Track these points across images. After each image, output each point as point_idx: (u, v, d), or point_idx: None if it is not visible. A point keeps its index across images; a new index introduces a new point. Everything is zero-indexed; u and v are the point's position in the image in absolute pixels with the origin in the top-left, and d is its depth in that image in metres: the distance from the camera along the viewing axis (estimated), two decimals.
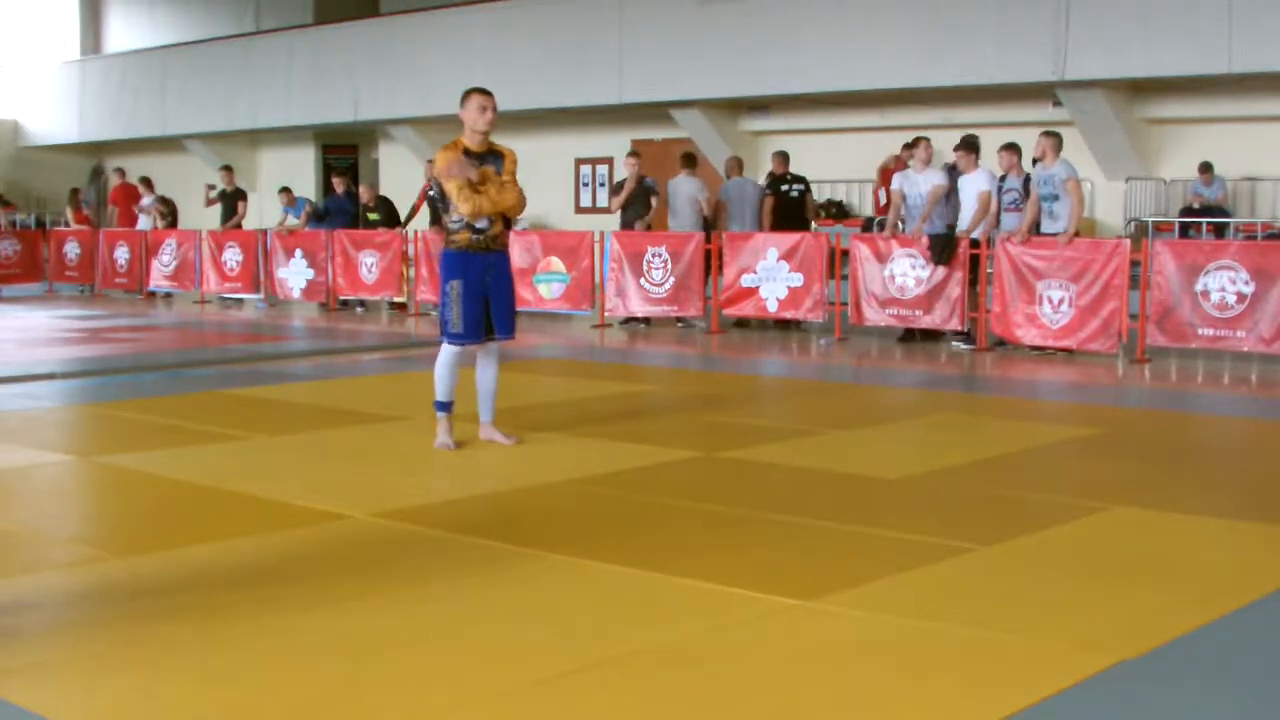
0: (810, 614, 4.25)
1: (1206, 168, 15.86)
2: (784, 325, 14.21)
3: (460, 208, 6.95)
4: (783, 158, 15.04)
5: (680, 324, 14.59)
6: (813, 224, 14.96)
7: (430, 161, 16.83)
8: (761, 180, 15.67)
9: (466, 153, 7.02)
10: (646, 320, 14.81)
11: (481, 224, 7.04)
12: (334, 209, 18.19)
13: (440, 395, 7.25)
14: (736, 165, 15.20)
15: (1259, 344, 10.93)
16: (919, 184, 12.82)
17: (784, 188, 14.73)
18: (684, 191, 14.73)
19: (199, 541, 5.14)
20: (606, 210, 16.55)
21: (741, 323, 14.56)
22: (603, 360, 11.93)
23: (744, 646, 3.96)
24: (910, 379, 10.67)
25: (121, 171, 22.57)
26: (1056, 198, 11.66)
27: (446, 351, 7.21)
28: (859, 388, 10.21)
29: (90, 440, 7.73)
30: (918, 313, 12.69)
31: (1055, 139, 11.83)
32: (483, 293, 7.10)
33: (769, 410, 9.32)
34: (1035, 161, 11.88)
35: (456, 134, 7.24)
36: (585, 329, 14.79)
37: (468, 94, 7.06)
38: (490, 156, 7.09)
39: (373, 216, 17.21)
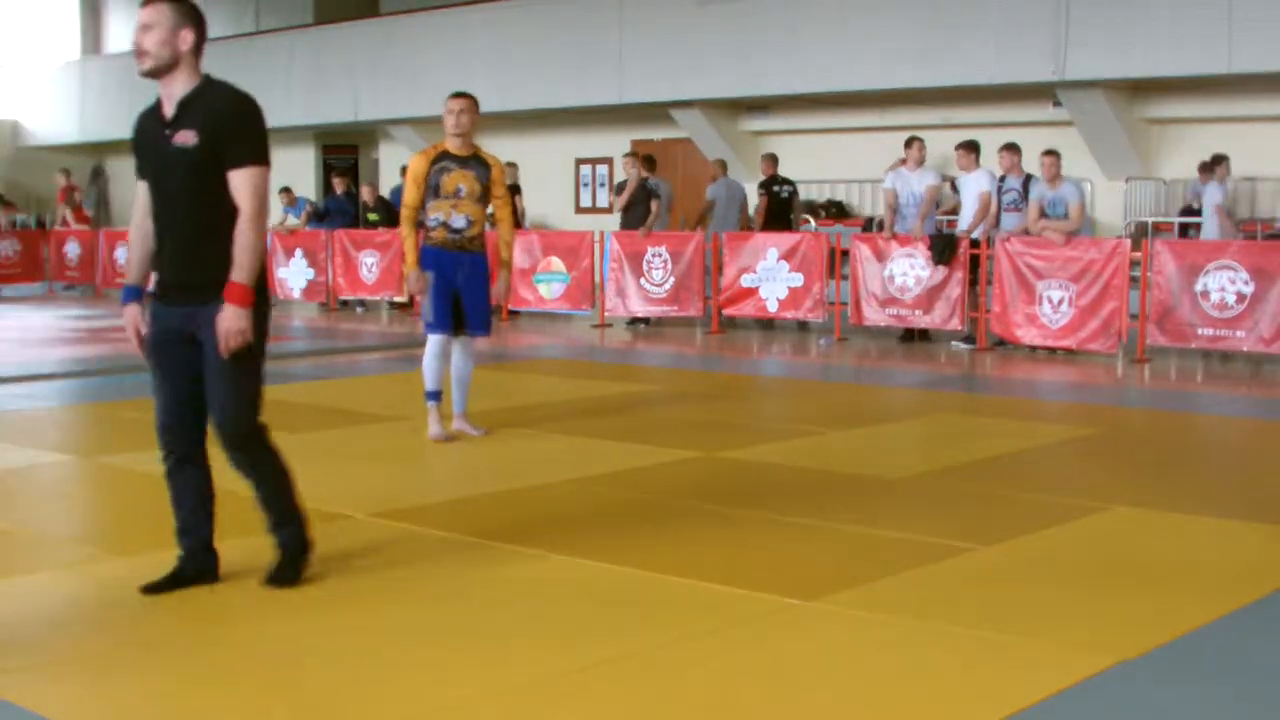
0: (810, 614, 4.25)
1: (1206, 168, 15.83)
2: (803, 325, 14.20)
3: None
4: (772, 160, 15.25)
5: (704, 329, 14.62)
6: (797, 224, 15.22)
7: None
8: (747, 182, 15.87)
9: (446, 155, 7.12)
10: (646, 320, 14.83)
11: (458, 224, 7.18)
12: (334, 209, 18.20)
13: (428, 385, 7.46)
14: (722, 167, 15.56)
15: (1259, 344, 10.94)
16: (911, 183, 12.85)
17: (776, 188, 14.96)
18: (665, 192, 14.99)
19: None
20: (607, 210, 16.61)
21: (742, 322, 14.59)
22: (603, 360, 11.93)
23: (744, 646, 3.96)
24: (910, 379, 10.67)
25: (67, 172, 22.68)
26: (1066, 216, 11.77)
27: (430, 342, 7.43)
28: (859, 388, 10.21)
29: (90, 440, 7.73)
30: (918, 313, 12.70)
31: (1058, 158, 11.91)
32: (453, 289, 7.26)
33: (769, 410, 9.31)
34: (1042, 178, 11.91)
35: None
36: (585, 329, 14.79)
37: (447, 99, 7.19)
38: (473, 162, 7.18)
39: (372, 217, 17.21)
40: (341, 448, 7.28)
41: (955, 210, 13.68)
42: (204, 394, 4.40)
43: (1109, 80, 15.81)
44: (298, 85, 23.63)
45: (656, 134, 20.44)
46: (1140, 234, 15.78)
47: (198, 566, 4.59)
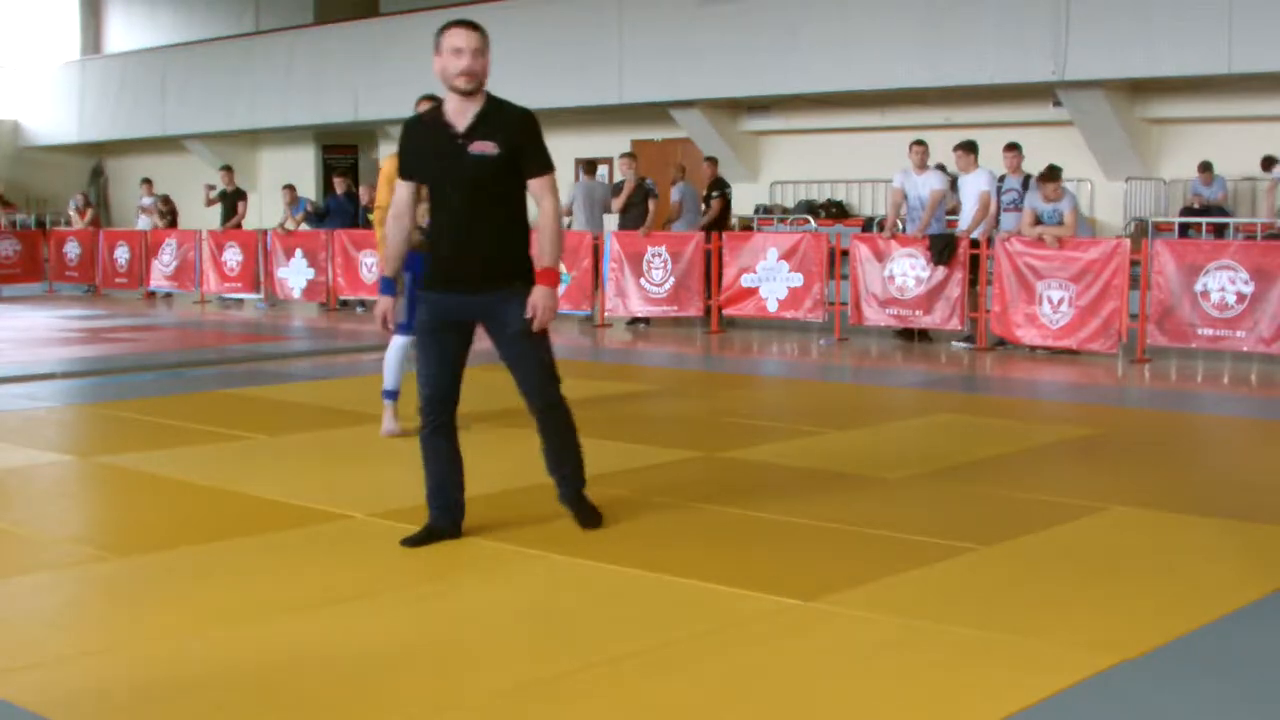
0: (810, 614, 4.24)
1: (1206, 167, 15.86)
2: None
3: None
4: (714, 162, 15.99)
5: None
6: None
7: None
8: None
9: None
10: (646, 320, 14.84)
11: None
12: (334, 209, 18.21)
13: (387, 384, 7.50)
14: (682, 171, 16.18)
15: (1259, 344, 10.94)
16: (918, 185, 12.84)
17: (727, 190, 15.69)
18: (589, 195, 15.73)
19: (199, 541, 5.14)
20: (605, 210, 16.73)
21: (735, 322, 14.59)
22: (603, 360, 11.93)
23: (744, 646, 3.96)
24: (910, 379, 10.67)
25: None
26: (1062, 224, 11.84)
27: (395, 342, 7.44)
28: (859, 388, 10.21)
29: (90, 440, 7.73)
30: (918, 313, 12.70)
31: (1059, 181, 11.97)
32: None
33: (769, 410, 9.31)
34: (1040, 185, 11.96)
35: None
36: (585, 329, 14.78)
37: (418, 105, 7.17)
38: None
39: (372, 217, 17.21)
40: (341, 448, 7.29)
41: (955, 210, 13.68)
42: (463, 373, 5.17)
43: (1109, 80, 15.82)
44: (298, 85, 23.63)
45: (656, 134, 20.45)
46: (1140, 234, 15.78)
47: (449, 522, 5.17)
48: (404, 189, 5.12)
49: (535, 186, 4.99)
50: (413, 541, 5.06)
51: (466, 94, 4.90)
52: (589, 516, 5.32)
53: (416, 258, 7.27)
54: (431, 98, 7.24)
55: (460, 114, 4.95)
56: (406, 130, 5.14)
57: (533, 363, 5.11)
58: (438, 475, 5.22)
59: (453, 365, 5.14)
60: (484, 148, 4.88)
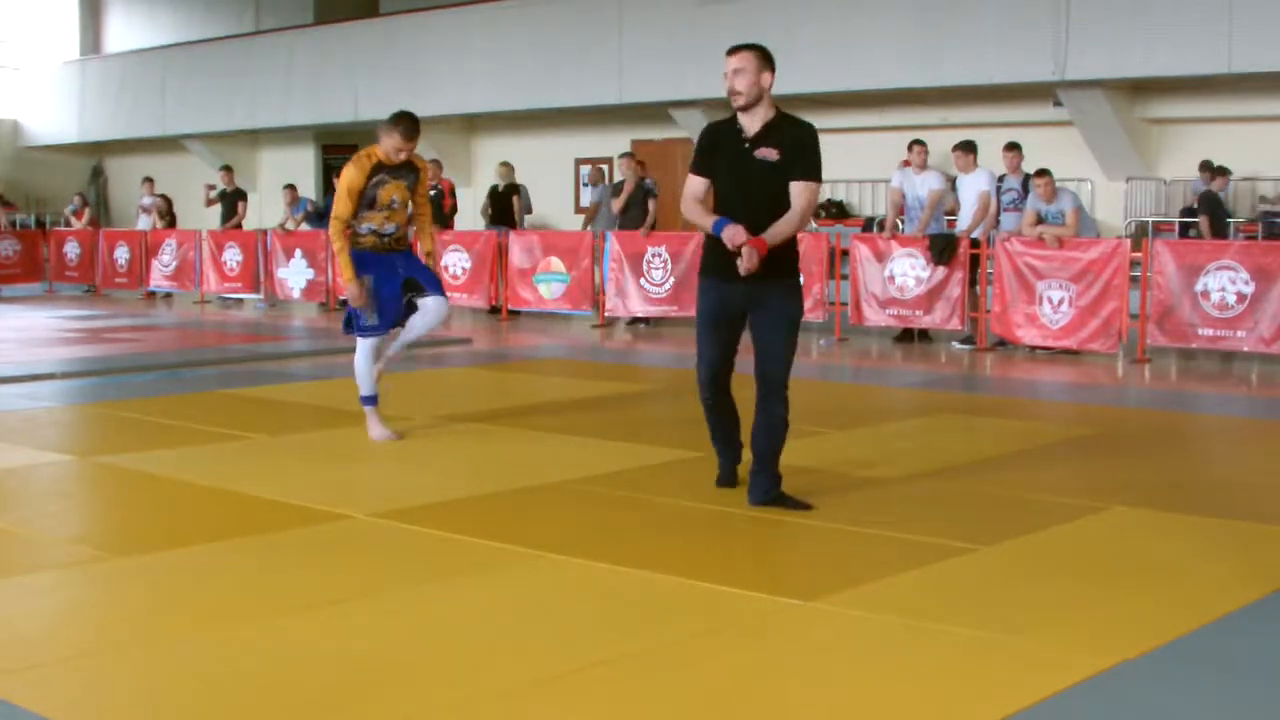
0: (810, 614, 4.24)
1: (1207, 167, 15.84)
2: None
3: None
4: (642, 165, 16.16)
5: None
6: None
7: (435, 162, 17.04)
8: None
9: (381, 166, 7.12)
10: (646, 320, 14.83)
11: (389, 230, 7.35)
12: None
13: (364, 390, 7.51)
14: (601, 174, 16.90)
15: (1259, 344, 10.94)
16: (917, 185, 12.85)
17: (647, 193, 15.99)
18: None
19: (199, 541, 5.14)
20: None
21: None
22: (603, 360, 11.92)
23: (744, 646, 3.96)
24: (910, 379, 10.67)
25: None
26: (1064, 224, 11.87)
27: (363, 346, 7.46)
28: (859, 388, 10.21)
29: (90, 440, 7.73)
30: (918, 313, 12.70)
31: (1051, 178, 12.01)
32: (398, 277, 7.38)
33: None
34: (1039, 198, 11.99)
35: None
36: (585, 329, 14.78)
37: (392, 127, 7.04)
38: (404, 170, 7.30)
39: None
40: (341, 448, 7.29)
41: (955, 211, 13.68)
42: (735, 352, 5.79)
43: (1109, 80, 15.80)
44: (298, 85, 23.61)
45: (656, 134, 20.43)
46: (1140, 234, 15.78)
47: (735, 458, 6.03)
48: (698, 183, 5.66)
49: (794, 188, 5.51)
50: (723, 483, 6.00)
51: (741, 110, 5.51)
52: (792, 503, 5.70)
53: (367, 255, 7.33)
54: (417, 134, 7.18)
55: (750, 123, 5.54)
56: (710, 130, 5.67)
57: (780, 349, 5.72)
58: (722, 429, 5.98)
59: (730, 347, 5.78)
60: (767, 154, 5.47)
